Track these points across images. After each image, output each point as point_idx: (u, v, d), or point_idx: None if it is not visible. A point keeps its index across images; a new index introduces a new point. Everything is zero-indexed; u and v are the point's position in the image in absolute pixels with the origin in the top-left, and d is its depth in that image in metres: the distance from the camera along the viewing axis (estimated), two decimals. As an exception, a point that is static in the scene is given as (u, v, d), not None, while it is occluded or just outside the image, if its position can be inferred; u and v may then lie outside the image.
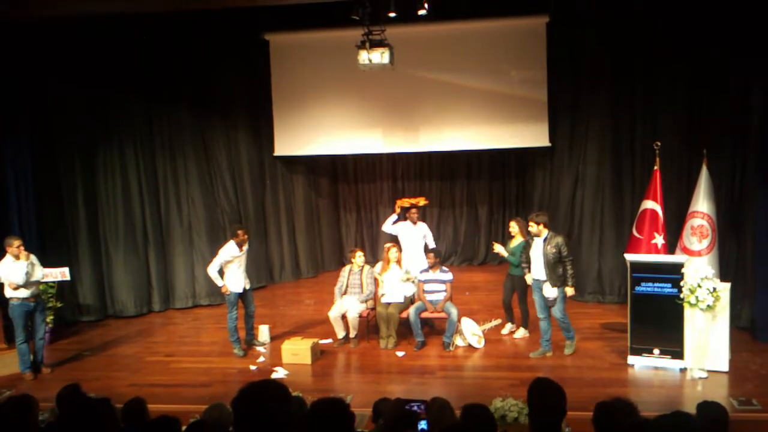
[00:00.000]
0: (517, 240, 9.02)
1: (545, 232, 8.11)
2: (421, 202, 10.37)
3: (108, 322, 10.76)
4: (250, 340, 9.17)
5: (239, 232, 8.82)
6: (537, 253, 8.21)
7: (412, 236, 10.06)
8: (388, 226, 10.21)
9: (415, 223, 10.10)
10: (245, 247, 8.87)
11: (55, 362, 8.86)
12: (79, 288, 10.65)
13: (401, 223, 10.16)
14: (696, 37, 9.41)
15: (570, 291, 8.15)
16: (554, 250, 7.99)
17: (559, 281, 8.07)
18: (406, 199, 10.44)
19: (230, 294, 8.82)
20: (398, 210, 10.22)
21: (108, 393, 4.59)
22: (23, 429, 4.19)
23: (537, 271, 8.25)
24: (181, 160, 11.44)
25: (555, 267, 8.04)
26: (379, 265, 9.50)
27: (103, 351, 9.37)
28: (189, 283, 11.48)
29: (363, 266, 9.21)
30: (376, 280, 9.20)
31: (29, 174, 10.02)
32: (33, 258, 8.36)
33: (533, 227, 8.16)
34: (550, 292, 8.15)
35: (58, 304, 9.82)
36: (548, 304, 8.26)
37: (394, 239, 10.16)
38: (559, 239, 8.05)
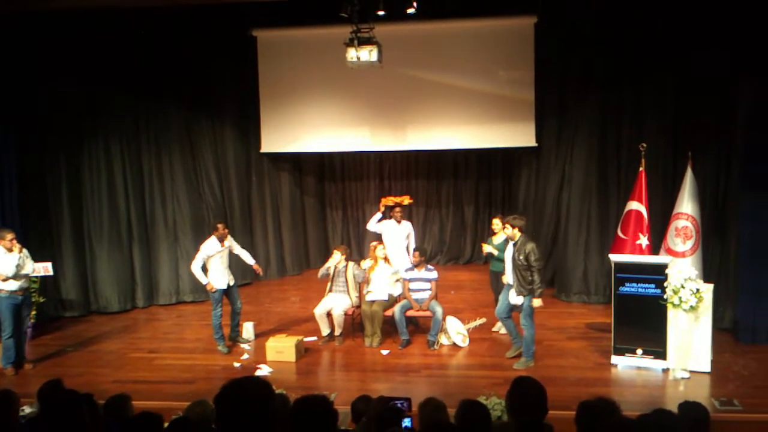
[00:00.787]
0: (500, 236, 9.04)
1: (518, 236, 7.92)
2: (405, 201, 10.34)
3: (91, 318, 10.69)
4: (235, 337, 9.14)
5: (219, 226, 8.81)
6: (508, 256, 8.12)
7: (396, 235, 10.01)
8: (373, 225, 10.19)
9: (399, 221, 10.06)
10: (227, 242, 8.84)
11: (38, 358, 8.81)
12: (62, 283, 10.58)
13: (385, 222, 10.13)
14: (683, 41, 9.47)
15: (536, 302, 7.83)
16: (522, 257, 7.78)
17: (525, 290, 7.85)
18: (391, 198, 10.44)
19: (215, 291, 8.79)
20: (382, 208, 10.20)
21: (91, 389, 4.57)
22: (4, 424, 4.15)
23: (508, 273, 8.16)
24: (167, 156, 11.38)
25: (523, 273, 7.81)
26: (368, 263, 9.45)
27: (85, 347, 9.31)
28: (173, 279, 11.42)
29: (347, 264, 9.20)
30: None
31: (13, 168, 9.94)
32: (26, 251, 8.33)
33: (508, 230, 7.96)
34: (516, 299, 7.98)
35: (41, 299, 9.75)
36: (516, 310, 8.12)
37: (379, 238, 10.14)
38: (529, 246, 7.77)
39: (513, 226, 7.93)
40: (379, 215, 10.15)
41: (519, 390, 3.49)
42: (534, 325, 8.04)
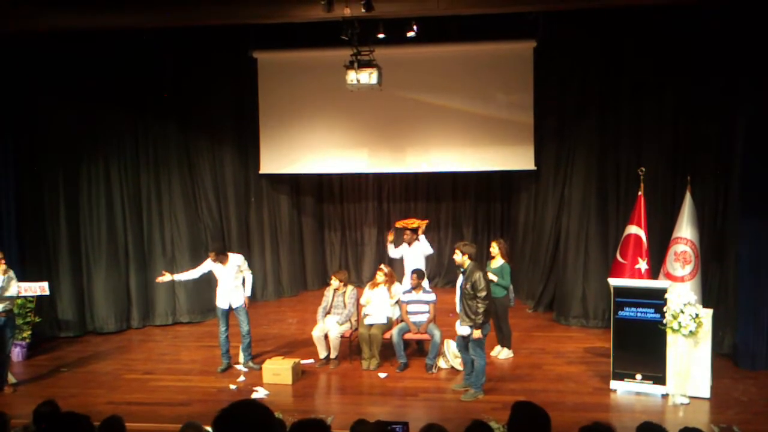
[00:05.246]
0: (498, 261, 9.01)
1: (467, 263, 7.73)
2: (411, 224, 10.14)
3: (87, 338, 10.62)
4: (246, 362, 8.93)
5: (209, 254, 8.87)
6: (459, 285, 7.96)
7: (408, 258, 9.98)
8: (391, 251, 10.24)
9: (409, 244, 10.00)
10: (228, 265, 8.77)
11: (32, 378, 8.76)
12: (58, 303, 10.52)
13: (401, 247, 10.17)
14: (681, 65, 9.53)
15: (476, 333, 7.61)
16: (469, 285, 7.58)
17: (470, 319, 7.60)
18: (402, 221, 10.39)
19: (216, 309, 8.86)
20: (390, 237, 10.20)
21: (85, 410, 4.51)
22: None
23: (458, 302, 7.97)
24: (165, 177, 11.38)
25: (470, 303, 7.58)
26: (365, 295, 9.38)
27: (80, 367, 9.24)
28: (169, 300, 11.35)
29: (345, 288, 9.17)
30: (359, 300, 9.17)
31: (11, 187, 9.93)
32: (11, 273, 8.25)
33: (458, 255, 7.78)
34: (461, 329, 7.77)
35: (37, 319, 9.69)
36: (463, 342, 7.89)
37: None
38: (476, 275, 7.54)
39: (463, 253, 7.76)
40: (391, 245, 10.19)
41: (520, 415, 3.45)
42: (485, 355, 7.89)
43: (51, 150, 10.45)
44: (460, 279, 7.98)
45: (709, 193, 9.32)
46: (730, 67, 8.88)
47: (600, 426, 3.82)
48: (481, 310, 7.54)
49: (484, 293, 7.54)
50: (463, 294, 7.74)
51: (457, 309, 8.00)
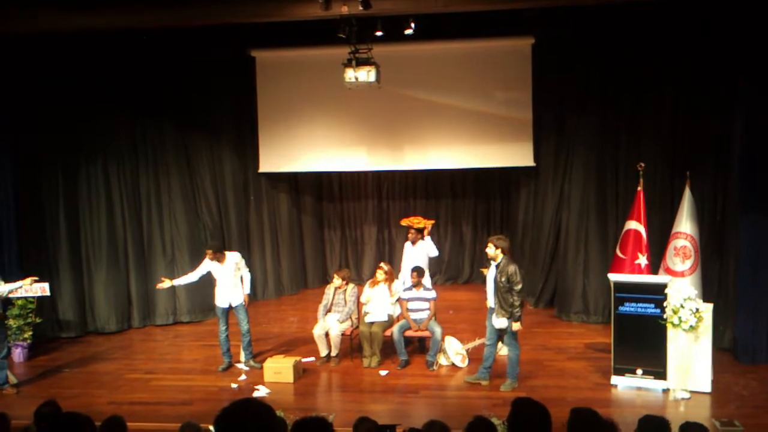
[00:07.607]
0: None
1: (500, 257, 7.83)
2: (417, 224, 10.04)
3: (88, 339, 10.62)
4: (247, 361, 8.95)
5: (206, 252, 8.86)
6: (490, 278, 8.02)
7: (411, 257, 9.93)
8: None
9: (413, 243, 9.97)
10: (226, 263, 8.77)
11: (33, 378, 8.77)
12: (59, 304, 10.51)
13: (405, 246, 10.17)
14: (681, 63, 9.53)
15: (516, 326, 7.78)
16: (504, 278, 7.69)
17: (506, 312, 7.74)
18: (405, 219, 10.38)
19: (216, 308, 8.88)
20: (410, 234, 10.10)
21: (87, 410, 4.50)
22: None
23: (490, 296, 8.06)
24: (165, 176, 11.38)
25: (505, 296, 7.71)
26: (366, 293, 9.39)
27: (82, 367, 9.25)
28: (170, 299, 11.34)
29: (347, 286, 9.18)
30: (359, 297, 9.18)
31: (11, 188, 9.93)
32: None
33: (491, 249, 7.86)
34: (498, 322, 7.85)
35: (38, 320, 9.69)
36: (498, 333, 8.01)
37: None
38: (511, 268, 7.67)
39: (497, 247, 7.84)
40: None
41: (520, 411, 3.45)
42: (519, 345, 8.00)
43: (50, 150, 10.44)
44: (491, 273, 8.00)
45: (708, 188, 9.32)
46: (729, 65, 8.87)
47: (590, 413, 3.80)
48: (517, 302, 7.68)
49: (519, 286, 7.70)
50: (497, 288, 7.79)
51: (490, 302, 8.07)
